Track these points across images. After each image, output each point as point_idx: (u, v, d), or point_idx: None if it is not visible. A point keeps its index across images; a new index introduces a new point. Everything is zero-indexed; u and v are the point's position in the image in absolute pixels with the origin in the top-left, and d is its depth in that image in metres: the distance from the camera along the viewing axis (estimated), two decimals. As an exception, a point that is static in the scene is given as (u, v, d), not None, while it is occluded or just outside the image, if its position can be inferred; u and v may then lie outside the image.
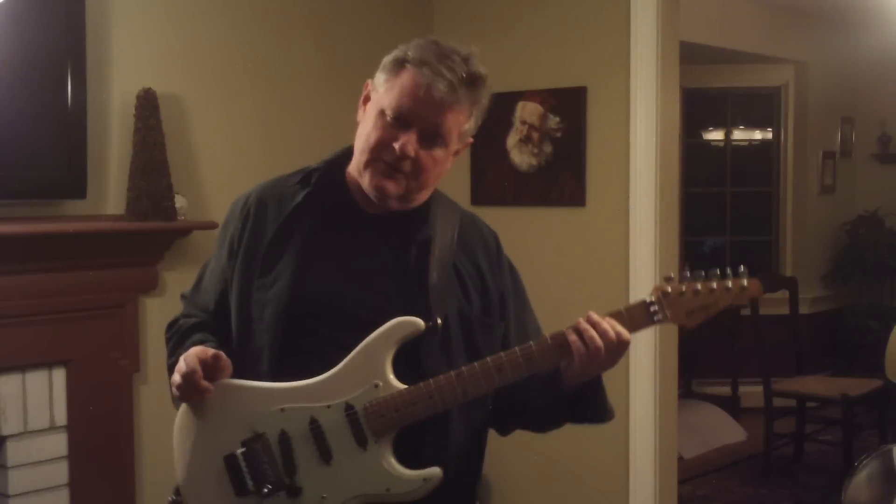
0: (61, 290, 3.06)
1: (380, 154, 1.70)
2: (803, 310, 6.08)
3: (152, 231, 3.18)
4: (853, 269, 7.24)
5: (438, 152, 1.72)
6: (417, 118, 1.68)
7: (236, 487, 1.69)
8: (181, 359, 1.70)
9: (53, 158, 2.99)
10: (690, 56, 5.01)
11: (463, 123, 1.73)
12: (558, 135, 3.91)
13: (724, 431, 6.09)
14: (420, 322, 1.67)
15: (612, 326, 1.64)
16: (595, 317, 1.64)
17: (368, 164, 1.72)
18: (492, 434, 1.90)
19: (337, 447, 1.66)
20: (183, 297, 1.96)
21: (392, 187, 1.71)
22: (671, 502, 3.84)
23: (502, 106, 4.02)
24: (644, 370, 3.72)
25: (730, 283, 1.68)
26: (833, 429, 5.47)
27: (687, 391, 6.45)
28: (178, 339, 1.86)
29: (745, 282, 1.68)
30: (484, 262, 1.82)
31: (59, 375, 3.07)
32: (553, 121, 3.91)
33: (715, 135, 7.36)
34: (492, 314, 1.80)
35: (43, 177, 2.99)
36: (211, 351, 1.70)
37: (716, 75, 6.96)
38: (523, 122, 3.99)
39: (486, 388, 1.66)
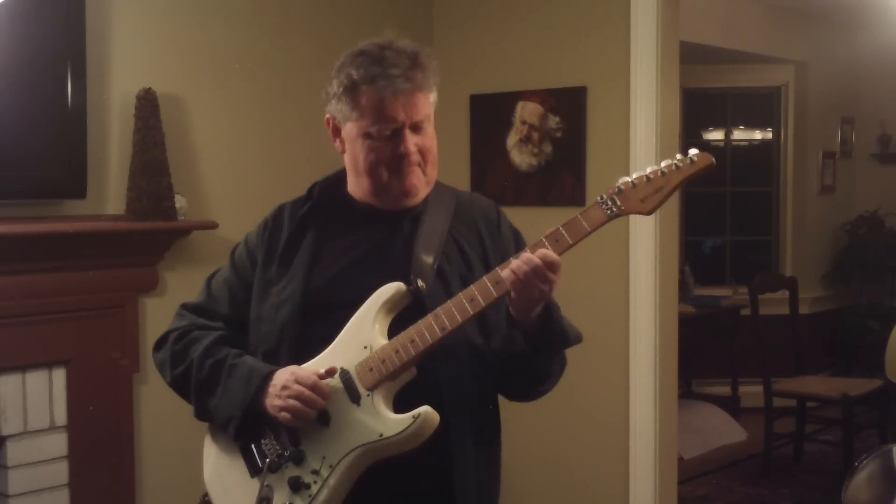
0: (61, 290, 3.06)
1: (392, 165, 1.83)
2: (803, 310, 6.08)
3: (152, 231, 3.18)
4: (853, 269, 7.24)
5: (429, 130, 1.87)
6: (400, 121, 1.81)
7: (250, 468, 1.83)
8: (307, 389, 1.75)
9: (53, 158, 3.00)
10: (690, 56, 5.01)
11: (431, 95, 1.86)
12: (558, 135, 3.90)
13: (724, 431, 6.08)
14: (400, 285, 1.78)
15: (537, 253, 1.70)
16: (525, 252, 1.72)
17: (390, 178, 1.84)
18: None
19: (334, 409, 1.76)
20: (185, 307, 2.02)
21: (418, 181, 1.86)
22: (671, 502, 3.84)
23: (502, 106, 4.03)
24: (644, 370, 3.72)
25: (678, 163, 1.71)
26: (833, 429, 5.47)
27: (687, 391, 6.45)
28: (209, 356, 1.90)
29: (693, 157, 1.71)
30: (484, 229, 1.94)
31: (59, 375, 3.07)
32: (553, 121, 3.91)
33: (715, 135, 7.36)
34: None
35: (43, 177, 3.00)
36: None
37: (716, 75, 6.96)
38: (523, 122, 3.98)
39: (460, 319, 1.72)
